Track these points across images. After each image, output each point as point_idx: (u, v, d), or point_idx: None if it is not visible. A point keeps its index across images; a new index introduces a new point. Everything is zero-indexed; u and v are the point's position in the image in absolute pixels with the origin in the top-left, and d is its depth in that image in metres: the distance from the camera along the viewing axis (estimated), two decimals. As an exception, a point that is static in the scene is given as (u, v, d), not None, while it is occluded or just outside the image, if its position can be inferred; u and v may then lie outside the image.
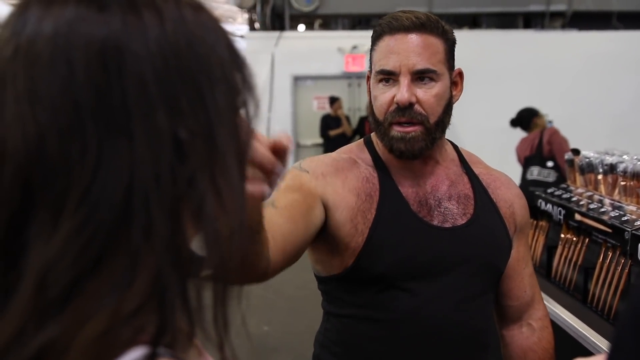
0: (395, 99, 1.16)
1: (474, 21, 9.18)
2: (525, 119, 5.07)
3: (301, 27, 9.87)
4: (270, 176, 0.65)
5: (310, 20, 9.87)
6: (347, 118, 8.02)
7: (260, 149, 0.63)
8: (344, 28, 9.56)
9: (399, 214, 1.19)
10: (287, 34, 8.56)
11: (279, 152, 0.67)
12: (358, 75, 8.39)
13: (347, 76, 8.46)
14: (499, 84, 7.67)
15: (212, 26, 0.50)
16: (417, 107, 1.17)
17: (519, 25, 9.07)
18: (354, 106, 8.56)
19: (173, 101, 0.46)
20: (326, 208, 1.17)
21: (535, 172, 4.68)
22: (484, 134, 7.16)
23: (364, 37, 8.15)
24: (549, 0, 8.69)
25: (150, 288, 0.44)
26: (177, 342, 0.46)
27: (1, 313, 0.43)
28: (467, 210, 1.24)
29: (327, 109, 8.05)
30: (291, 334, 4.05)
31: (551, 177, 4.57)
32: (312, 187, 1.17)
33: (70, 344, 0.42)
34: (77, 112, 0.43)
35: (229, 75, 0.50)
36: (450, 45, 1.21)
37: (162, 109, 0.45)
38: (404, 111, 1.16)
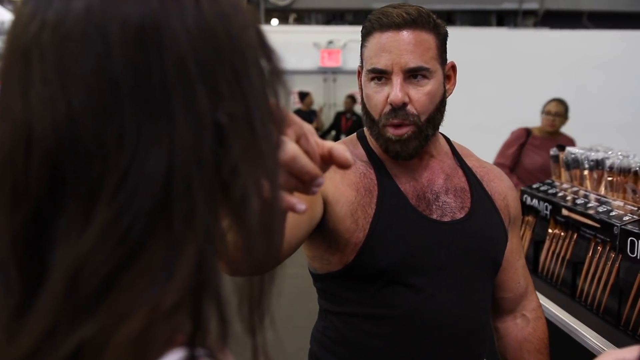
0: (389, 100, 1.15)
1: (448, 18, 9.23)
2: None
3: (274, 21, 9.79)
4: (307, 188, 0.57)
5: (285, 15, 9.80)
6: (319, 114, 8.00)
7: (303, 158, 0.54)
8: (318, 23, 9.53)
9: (399, 209, 1.18)
10: (262, 28, 8.47)
11: (329, 162, 0.57)
12: (334, 71, 8.37)
13: (323, 71, 8.43)
14: (473, 80, 7.73)
15: (241, 9, 0.48)
16: (409, 107, 1.15)
17: (492, 22, 9.16)
18: (329, 101, 8.55)
19: (212, 83, 0.43)
20: (325, 203, 1.14)
21: None
22: (458, 130, 7.19)
23: (339, 32, 8.14)
24: (521, -1, 8.79)
25: (190, 281, 0.41)
26: (211, 341, 0.43)
27: (27, 311, 0.39)
28: (465, 203, 1.23)
29: (301, 104, 8.01)
30: (287, 329, 4.00)
31: None
32: None
33: (106, 343, 0.38)
34: (114, 92, 0.40)
35: (258, 60, 0.47)
36: (442, 39, 1.19)
37: (202, 90, 0.42)
38: (397, 112, 1.15)
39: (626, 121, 8.06)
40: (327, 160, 0.58)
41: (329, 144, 0.58)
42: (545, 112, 4.15)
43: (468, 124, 6.82)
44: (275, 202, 0.47)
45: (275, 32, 8.84)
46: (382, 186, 1.19)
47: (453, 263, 1.18)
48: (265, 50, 0.48)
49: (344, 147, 0.57)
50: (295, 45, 8.23)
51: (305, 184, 0.57)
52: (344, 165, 0.57)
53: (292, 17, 10.01)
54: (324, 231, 1.15)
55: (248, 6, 0.50)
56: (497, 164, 4.12)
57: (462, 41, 8.92)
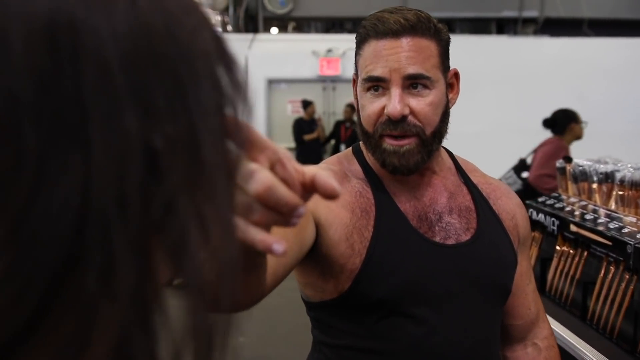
0: (386, 111, 1.03)
1: (447, 26, 9.14)
2: (560, 121, 4.27)
3: (274, 30, 9.72)
4: (286, 220, 0.47)
5: (284, 23, 9.74)
6: (321, 124, 7.92)
7: (279, 188, 0.45)
8: (318, 31, 9.46)
9: (399, 231, 1.07)
10: (261, 36, 8.41)
11: (312, 190, 0.47)
12: (333, 79, 8.29)
13: (322, 79, 8.35)
14: (473, 89, 7.64)
15: (195, 10, 0.38)
16: (410, 118, 1.04)
17: (492, 30, 9.09)
18: (328, 110, 8.46)
19: (146, 98, 0.33)
20: (318, 226, 1.03)
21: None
22: (457, 140, 7.10)
23: (338, 41, 8.06)
24: (521, 7, 8.72)
25: (110, 356, 0.31)
26: None
27: None
28: (470, 224, 1.12)
29: (302, 113, 7.92)
30: (268, 344, 3.91)
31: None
32: None
33: None
34: (10, 106, 0.30)
35: (214, 69, 0.37)
36: (444, 45, 1.08)
37: (130, 107, 0.32)
38: (396, 124, 1.04)
39: (627, 129, 7.96)
40: (310, 189, 0.48)
41: (311, 169, 0.47)
42: (582, 122, 4.24)
43: (467, 132, 6.72)
44: (228, 247, 0.36)
45: (273, 40, 8.77)
46: (380, 206, 1.08)
47: (458, 291, 1.07)
48: (224, 58, 0.38)
49: (329, 174, 0.47)
50: (294, 54, 8.15)
51: (284, 216, 0.47)
52: (330, 195, 0.47)
53: (291, 25, 9.94)
54: (316, 257, 1.04)
55: (202, 6, 0.39)
56: (544, 175, 3.93)
57: (461, 49, 8.77)
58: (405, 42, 1.03)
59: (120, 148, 0.32)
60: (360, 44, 1.08)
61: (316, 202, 1.02)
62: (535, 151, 4.36)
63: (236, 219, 0.41)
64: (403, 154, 1.04)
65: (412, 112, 1.04)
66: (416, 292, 1.04)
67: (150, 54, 0.33)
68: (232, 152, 0.38)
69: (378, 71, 1.03)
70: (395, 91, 1.03)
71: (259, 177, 0.44)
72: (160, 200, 0.33)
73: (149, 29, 0.33)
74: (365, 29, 1.06)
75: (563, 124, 4.27)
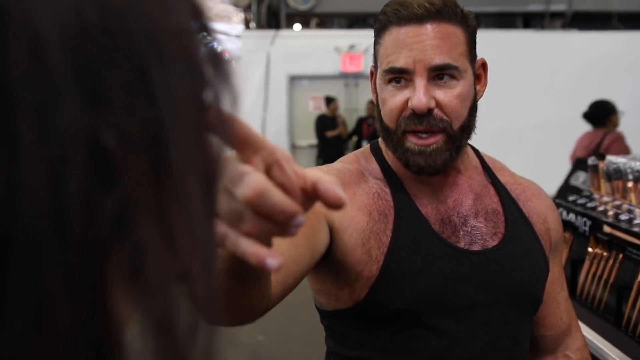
0: (410, 104, 0.94)
1: (472, 21, 9.01)
2: (601, 113, 4.16)
3: (297, 26, 9.66)
4: (284, 230, 0.40)
5: (307, 19, 9.67)
6: (344, 121, 7.84)
7: (273, 193, 0.38)
8: (341, 27, 9.36)
9: (419, 236, 0.98)
10: (283, 32, 8.35)
11: (314, 198, 0.41)
12: (355, 75, 8.20)
13: (344, 76, 8.27)
14: (498, 84, 7.47)
15: None
16: (437, 112, 0.95)
17: (518, 25, 8.90)
18: (350, 107, 8.37)
19: (94, 84, 0.26)
20: (332, 230, 0.95)
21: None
22: (483, 136, 6.95)
23: (361, 37, 7.96)
24: (548, 0, 8.51)
25: None
26: None
27: None
28: (498, 228, 1.02)
29: (323, 109, 7.85)
30: (287, 342, 3.85)
31: None
32: (316, 205, 0.94)
33: None
34: None
35: (191, 50, 0.30)
36: (471, 33, 0.98)
37: (72, 95, 0.25)
38: (422, 118, 0.94)
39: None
40: (312, 196, 0.41)
41: (313, 174, 0.40)
42: (619, 112, 4.21)
43: (494, 129, 6.58)
44: (204, 270, 0.29)
45: (295, 36, 8.70)
46: (400, 209, 0.99)
47: (484, 301, 0.98)
48: (205, 37, 0.31)
49: (334, 180, 0.40)
50: (316, 50, 8.07)
51: (280, 225, 0.39)
52: (334, 205, 0.40)
53: (314, 21, 9.86)
54: (330, 263, 0.96)
55: None
56: None
57: (487, 44, 8.62)
58: (431, 29, 0.94)
59: (57, 146, 0.24)
60: (380, 32, 0.98)
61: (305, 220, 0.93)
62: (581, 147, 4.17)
63: (217, 232, 0.34)
64: (430, 153, 0.95)
65: (438, 104, 0.95)
66: (438, 302, 0.96)
67: (102, 30, 0.25)
68: (212, 151, 0.31)
69: (401, 62, 0.94)
70: (420, 82, 0.93)
71: (249, 180, 0.38)
72: (110, 213, 0.25)
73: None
74: (386, 16, 0.97)
75: (604, 115, 4.14)
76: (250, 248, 0.39)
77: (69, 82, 0.24)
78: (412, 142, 0.96)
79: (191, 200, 0.28)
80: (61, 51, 0.24)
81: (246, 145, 0.39)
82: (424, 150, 0.95)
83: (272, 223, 0.39)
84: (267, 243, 0.43)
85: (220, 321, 0.31)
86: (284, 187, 0.39)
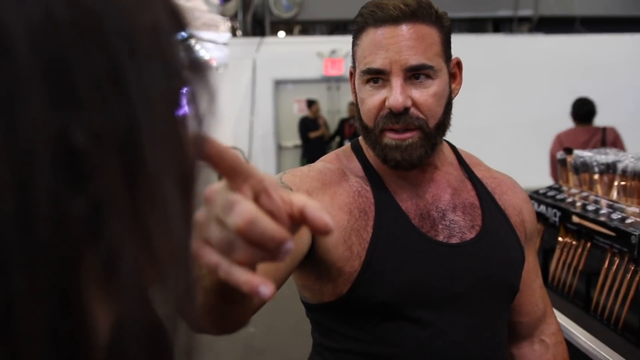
0: (387, 104, 0.92)
1: (445, 26, 9.02)
2: (593, 110, 4.05)
3: (281, 33, 9.61)
4: (272, 256, 0.39)
5: (290, 27, 9.63)
6: (325, 122, 7.81)
7: (263, 221, 0.37)
8: (322, 33, 9.34)
9: (400, 231, 0.96)
10: (268, 39, 8.30)
11: (301, 222, 0.40)
12: (337, 79, 8.19)
13: (327, 80, 8.25)
14: (470, 86, 7.51)
15: None
16: (413, 110, 0.93)
17: (488, 29, 8.94)
18: (333, 109, 8.35)
19: (63, 81, 0.23)
20: None
21: None
22: (458, 134, 6.97)
23: (342, 42, 7.95)
24: (516, 6, 8.56)
25: None
26: None
27: None
28: (475, 221, 1.01)
29: (307, 112, 7.82)
30: (277, 335, 3.81)
31: None
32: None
33: None
34: None
35: (167, 47, 0.28)
36: (446, 33, 0.96)
37: (39, 93, 0.23)
38: (399, 117, 0.92)
39: (621, 122, 7.78)
40: (298, 221, 0.40)
41: (300, 200, 0.39)
42: None
43: (466, 128, 6.59)
44: (181, 274, 0.27)
45: (280, 43, 8.66)
46: (380, 205, 0.97)
47: (464, 292, 0.96)
48: (180, 33, 0.29)
49: (319, 206, 0.39)
50: (300, 56, 8.04)
51: (270, 251, 0.38)
52: (321, 231, 0.40)
53: (297, 28, 9.82)
54: (313, 260, 0.94)
55: None
56: None
57: (460, 48, 8.65)
58: (406, 29, 0.92)
59: (23, 145, 0.22)
60: (357, 34, 0.96)
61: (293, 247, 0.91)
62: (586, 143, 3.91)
63: (209, 259, 0.32)
64: (405, 148, 0.94)
65: (414, 103, 0.93)
66: (419, 295, 0.94)
67: (72, 25, 0.23)
68: (188, 151, 0.28)
69: (377, 63, 0.92)
70: (397, 82, 0.92)
71: (240, 210, 0.37)
72: (80, 214, 0.23)
73: None
74: (362, 17, 0.95)
75: (595, 112, 4.07)
76: (242, 277, 0.38)
77: (35, 78, 0.22)
78: (389, 137, 0.94)
79: (167, 201, 0.26)
80: (27, 46, 0.22)
81: (236, 173, 0.38)
82: (400, 145, 0.94)
83: (262, 250, 0.38)
84: (254, 267, 0.41)
85: (200, 326, 0.29)
86: (272, 214, 0.38)
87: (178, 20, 0.29)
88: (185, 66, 0.28)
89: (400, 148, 0.94)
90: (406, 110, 0.92)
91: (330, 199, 0.95)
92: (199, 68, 0.29)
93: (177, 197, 0.27)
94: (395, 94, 0.91)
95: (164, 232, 0.26)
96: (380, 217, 0.96)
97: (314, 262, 0.94)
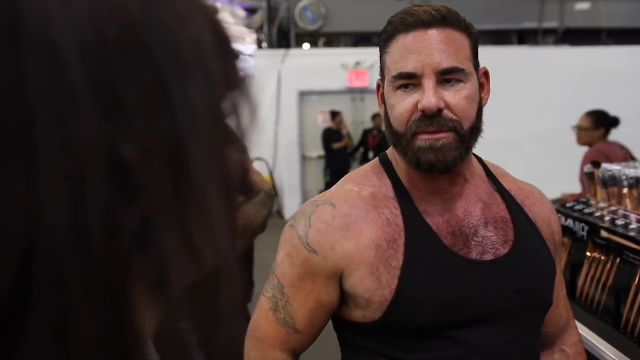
0: (419, 106, 0.90)
1: (469, 38, 8.98)
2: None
3: (306, 45, 9.68)
4: None
5: (315, 39, 9.69)
6: (348, 133, 7.82)
7: None
8: (347, 45, 9.37)
9: (432, 253, 0.93)
10: (293, 51, 8.36)
11: None
12: (361, 90, 8.19)
13: (351, 91, 8.26)
14: (494, 98, 7.43)
15: None
16: (446, 112, 0.90)
17: (513, 41, 8.86)
18: (357, 120, 8.35)
19: (112, 97, 0.24)
20: (342, 276, 0.95)
21: None
22: (482, 146, 6.91)
23: (366, 54, 7.95)
24: (541, 18, 8.48)
25: None
26: None
27: None
28: (507, 236, 0.98)
29: (331, 123, 7.84)
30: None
31: None
32: (323, 268, 0.95)
33: None
34: None
35: (209, 60, 0.28)
36: (474, 40, 0.96)
37: (90, 108, 0.23)
38: (432, 119, 0.90)
39: (647, 135, 7.65)
40: None
41: None
42: None
43: (490, 140, 6.52)
44: (228, 281, 0.27)
45: (304, 55, 8.71)
46: (410, 230, 0.95)
47: (500, 308, 0.94)
48: (222, 49, 0.29)
49: None
50: (324, 67, 8.07)
51: None
52: None
53: (321, 40, 9.87)
54: (341, 292, 0.96)
55: None
56: None
57: (484, 60, 8.59)
58: (437, 33, 0.91)
59: (77, 160, 0.22)
60: (386, 42, 0.95)
61: (336, 259, 0.94)
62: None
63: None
64: (440, 148, 0.90)
65: (447, 106, 0.91)
66: (455, 315, 0.93)
67: (120, 43, 0.24)
68: (231, 161, 0.29)
69: (409, 66, 0.90)
70: (429, 84, 0.90)
71: None
72: (131, 226, 0.23)
73: (119, 13, 0.24)
74: (392, 25, 0.94)
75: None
76: None
77: (88, 96, 0.23)
78: (422, 138, 0.91)
79: (211, 211, 0.27)
80: (80, 65, 0.23)
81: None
82: (433, 145, 0.91)
83: None
84: None
85: (241, 339, 0.29)
86: None
87: (219, 34, 0.29)
88: (227, 79, 0.29)
89: (434, 149, 0.91)
90: (439, 111, 0.90)
91: (355, 242, 0.94)
92: (240, 80, 0.30)
93: (221, 205, 0.27)
94: (428, 95, 0.89)
95: (209, 239, 0.26)
96: (411, 243, 0.94)
97: (342, 293, 0.96)
